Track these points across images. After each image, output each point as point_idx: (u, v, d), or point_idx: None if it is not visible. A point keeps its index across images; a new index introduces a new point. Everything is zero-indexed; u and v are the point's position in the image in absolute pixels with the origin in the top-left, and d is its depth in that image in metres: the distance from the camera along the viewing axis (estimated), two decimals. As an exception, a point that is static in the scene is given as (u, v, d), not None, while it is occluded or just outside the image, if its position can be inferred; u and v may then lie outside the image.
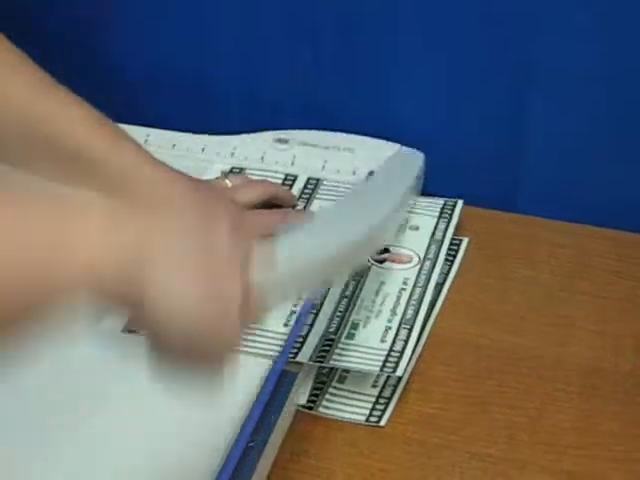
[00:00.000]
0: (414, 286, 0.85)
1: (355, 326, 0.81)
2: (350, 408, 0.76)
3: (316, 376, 0.78)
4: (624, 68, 0.90)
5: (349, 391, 0.77)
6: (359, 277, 0.86)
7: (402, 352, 0.78)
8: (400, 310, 0.82)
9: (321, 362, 0.77)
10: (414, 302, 0.83)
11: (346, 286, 0.85)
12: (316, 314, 0.81)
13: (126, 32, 1.06)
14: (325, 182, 0.96)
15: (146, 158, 0.80)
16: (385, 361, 0.77)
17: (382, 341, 0.79)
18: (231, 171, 0.97)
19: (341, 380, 0.78)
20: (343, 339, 0.79)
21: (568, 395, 0.77)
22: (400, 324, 0.81)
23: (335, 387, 0.78)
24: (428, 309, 0.83)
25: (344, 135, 1.00)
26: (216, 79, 1.05)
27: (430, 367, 0.80)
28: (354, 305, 0.83)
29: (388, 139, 0.98)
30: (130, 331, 0.78)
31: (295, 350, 0.78)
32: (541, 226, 0.94)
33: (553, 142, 0.96)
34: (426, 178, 0.97)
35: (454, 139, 0.99)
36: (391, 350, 0.78)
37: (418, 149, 0.98)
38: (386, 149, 0.97)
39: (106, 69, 1.08)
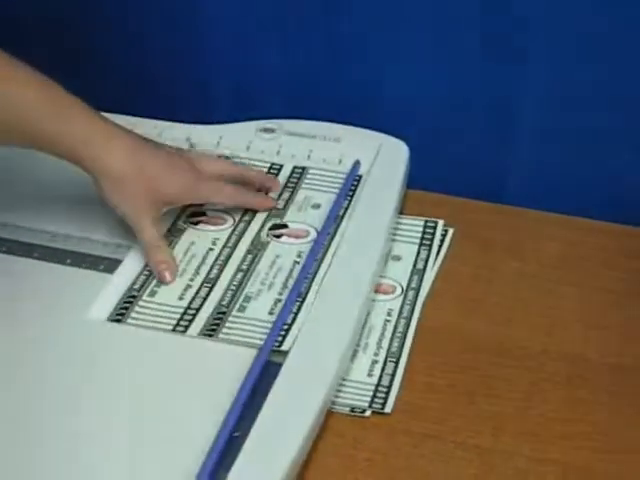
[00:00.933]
0: (307, 259, 0.85)
1: (247, 299, 0.81)
2: (350, 395, 0.76)
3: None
4: (615, 57, 0.90)
5: (345, 380, 0.77)
6: (257, 251, 0.87)
7: (291, 325, 0.78)
8: (291, 283, 0.82)
9: (211, 335, 0.78)
10: (308, 275, 0.83)
11: (243, 260, 0.86)
12: (211, 287, 0.82)
13: (113, 20, 1.05)
14: (311, 171, 0.96)
15: (91, 123, 0.82)
16: (269, 335, 0.77)
17: (270, 314, 0.79)
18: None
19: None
20: (234, 312, 0.80)
21: (554, 385, 0.77)
22: (289, 296, 0.81)
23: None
24: (321, 282, 0.82)
25: (330, 125, 0.99)
26: (202, 69, 1.04)
27: (416, 357, 0.80)
28: (249, 279, 0.83)
29: (374, 129, 0.97)
30: (115, 320, 0.78)
31: (185, 323, 0.78)
32: (528, 217, 0.95)
33: (541, 133, 0.96)
34: (412, 169, 0.97)
35: (441, 130, 0.99)
36: (283, 323, 0.78)
37: (404, 139, 0.97)
38: (372, 139, 0.97)
39: (92, 57, 1.08)
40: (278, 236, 0.88)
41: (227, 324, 0.79)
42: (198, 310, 0.80)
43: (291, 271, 0.84)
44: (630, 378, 0.78)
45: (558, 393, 0.77)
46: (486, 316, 0.84)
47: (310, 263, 0.84)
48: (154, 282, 0.83)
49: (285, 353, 0.75)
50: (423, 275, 0.88)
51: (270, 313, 0.80)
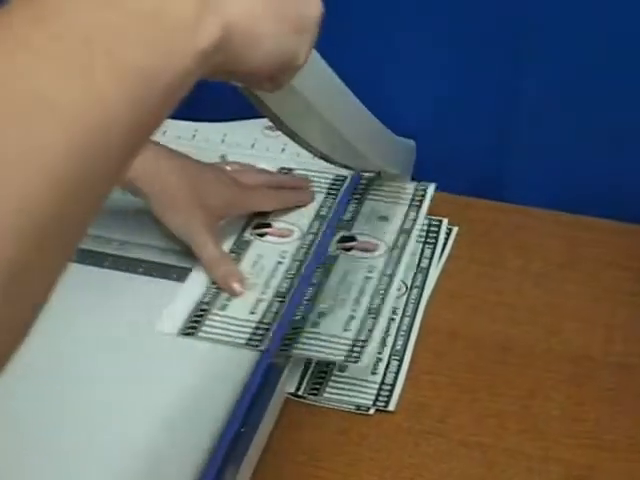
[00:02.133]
0: (381, 275, 0.84)
1: (321, 315, 0.80)
2: (354, 394, 0.76)
3: (316, 365, 0.78)
4: (615, 55, 0.90)
5: (351, 378, 0.78)
6: (327, 265, 0.86)
7: (367, 342, 0.77)
8: (365, 299, 0.82)
9: (286, 350, 0.77)
10: (381, 291, 0.83)
11: (313, 274, 0.85)
12: (282, 301, 0.81)
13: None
14: (376, 182, 0.96)
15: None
16: (350, 351, 0.76)
17: (345, 330, 0.79)
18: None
19: (342, 369, 0.78)
20: (308, 327, 0.79)
21: (557, 383, 0.78)
22: (366, 313, 0.80)
23: (337, 375, 0.78)
24: (395, 298, 0.83)
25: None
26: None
27: (420, 355, 0.80)
28: (321, 293, 0.83)
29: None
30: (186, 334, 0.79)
31: (259, 337, 0.78)
32: (531, 216, 0.95)
33: (545, 132, 0.96)
34: (416, 167, 0.97)
35: (444, 128, 0.99)
36: (356, 340, 0.77)
37: (408, 138, 0.98)
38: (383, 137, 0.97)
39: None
40: (347, 249, 0.88)
41: (301, 339, 0.78)
42: (270, 325, 0.79)
43: (362, 287, 0.83)
44: (634, 377, 0.78)
45: (562, 391, 0.77)
46: (490, 315, 0.84)
47: (382, 280, 0.84)
48: (224, 295, 0.82)
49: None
50: (427, 273, 0.88)
51: (345, 330, 0.79)
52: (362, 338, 0.77)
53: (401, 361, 0.79)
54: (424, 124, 0.99)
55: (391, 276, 0.84)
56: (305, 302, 0.82)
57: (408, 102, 0.99)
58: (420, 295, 0.86)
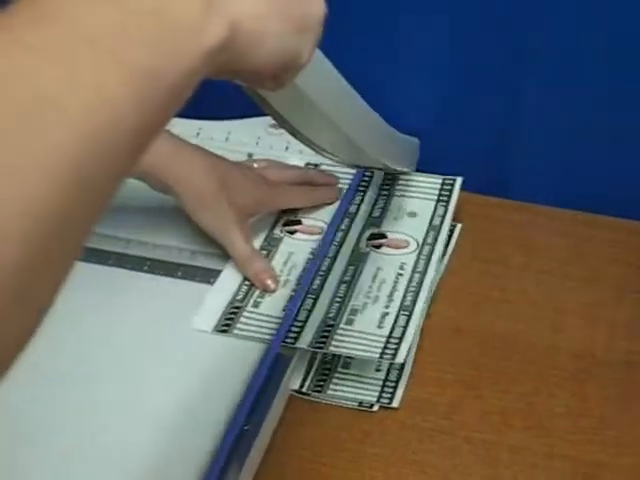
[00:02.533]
0: (412, 271, 0.85)
1: (354, 312, 0.81)
2: (358, 391, 0.77)
3: (319, 362, 0.78)
4: (620, 54, 0.90)
5: (355, 375, 0.78)
6: (357, 262, 0.86)
7: (401, 338, 0.78)
8: (398, 296, 0.82)
9: (321, 348, 0.77)
10: (413, 288, 0.83)
11: (345, 271, 0.85)
12: (315, 299, 0.81)
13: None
14: (402, 176, 0.96)
15: (165, 139, 0.84)
16: (385, 347, 0.77)
17: (380, 327, 0.79)
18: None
19: (346, 365, 0.78)
20: (342, 325, 0.79)
21: (561, 380, 0.78)
22: (399, 310, 0.81)
23: (340, 372, 0.78)
24: (427, 295, 0.83)
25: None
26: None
27: (423, 352, 0.80)
28: (353, 291, 0.83)
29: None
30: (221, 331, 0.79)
31: (294, 335, 0.77)
32: (535, 213, 0.95)
33: (547, 129, 0.96)
34: (420, 164, 0.97)
35: (449, 126, 0.99)
36: (390, 336, 0.78)
37: (412, 135, 0.98)
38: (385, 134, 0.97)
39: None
40: (377, 246, 0.88)
41: (336, 336, 0.78)
42: (305, 322, 0.79)
43: (395, 284, 0.84)
44: (638, 373, 0.78)
45: (566, 388, 0.77)
46: (493, 312, 0.84)
47: (414, 277, 0.84)
48: (257, 293, 0.83)
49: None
50: (440, 231, 0.89)
51: (379, 327, 0.79)
52: (396, 335, 0.78)
53: (404, 363, 0.79)
54: (427, 122, 0.99)
55: (422, 273, 0.84)
56: (337, 300, 0.82)
57: (411, 100, 0.99)
58: (431, 252, 0.87)
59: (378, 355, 0.76)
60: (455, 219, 0.93)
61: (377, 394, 0.76)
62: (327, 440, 0.73)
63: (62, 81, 0.35)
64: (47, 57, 0.36)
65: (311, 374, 0.78)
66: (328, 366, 0.78)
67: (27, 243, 0.33)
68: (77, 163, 0.35)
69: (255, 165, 0.93)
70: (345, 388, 0.77)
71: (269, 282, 0.83)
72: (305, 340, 0.77)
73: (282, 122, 0.70)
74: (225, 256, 0.86)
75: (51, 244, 0.35)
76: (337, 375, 0.78)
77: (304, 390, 0.77)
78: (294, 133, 0.73)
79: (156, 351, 0.77)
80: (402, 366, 0.78)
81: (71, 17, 0.37)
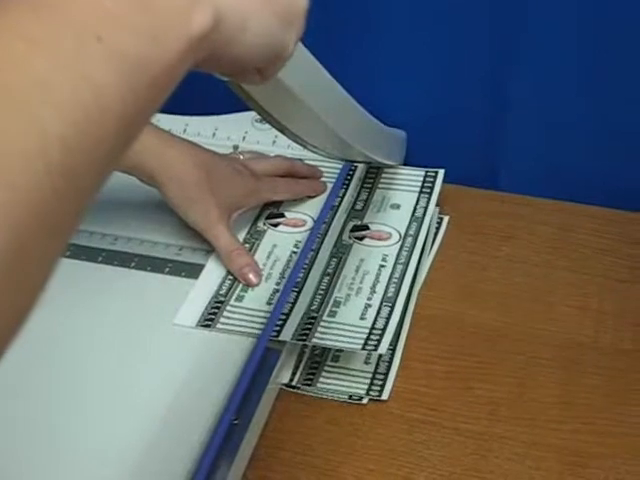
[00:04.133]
0: (395, 263, 0.85)
1: (337, 304, 0.81)
2: (348, 384, 0.77)
3: (309, 355, 0.79)
4: (607, 44, 0.90)
5: (345, 368, 0.78)
6: (340, 254, 0.86)
7: (384, 330, 0.78)
8: (381, 288, 0.83)
9: (304, 340, 0.77)
10: (395, 279, 0.83)
11: (328, 263, 0.85)
12: (298, 292, 0.82)
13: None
14: (386, 170, 0.96)
15: (152, 132, 0.84)
16: (367, 339, 0.77)
17: (362, 318, 0.79)
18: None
19: (335, 359, 0.79)
20: (325, 317, 0.80)
21: (549, 370, 0.78)
22: (381, 302, 0.81)
23: (330, 365, 0.78)
24: (410, 286, 0.83)
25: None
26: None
27: (412, 344, 0.80)
28: (336, 283, 0.83)
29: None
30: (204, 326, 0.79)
31: (277, 328, 0.78)
32: (522, 204, 0.95)
33: (534, 120, 0.96)
34: (407, 157, 0.98)
35: (436, 118, 1.00)
36: (373, 328, 0.78)
37: (400, 128, 0.98)
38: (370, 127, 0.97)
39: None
40: (360, 238, 0.89)
41: (319, 329, 0.78)
42: (288, 315, 0.79)
43: (378, 275, 0.84)
44: (625, 362, 0.79)
45: (553, 378, 0.78)
46: (481, 302, 0.84)
47: (397, 268, 0.85)
48: (240, 287, 0.83)
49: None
50: (422, 222, 0.89)
51: (362, 318, 0.80)
52: (379, 326, 0.78)
53: (394, 350, 0.80)
54: (414, 115, 0.99)
55: (405, 264, 0.85)
56: (320, 292, 0.82)
57: (398, 93, 0.99)
58: (414, 243, 0.87)
59: (361, 346, 0.76)
60: (442, 211, 0.93)
61: (366, 387, 0.77)
62: (317, 433, 0.74)
63: (51, 67, 0.36)
64: (39, 45, 0.36)
65: (300, 368, 0.78)
66: (317, 360, 0.79)
67: (16, 228, 0.33)
68: (66, 147, 0.35)
69: (241, 157, 0.93)
70: (335, 381, 0.77)
71: (251, 276, 0.83)
72: (288, 333, 0.77)
73: (267, 117, 0.70)
74: (212, 251, 0.86)
75: (41, 228, 0.35)
76: (326, 368, 0.78)
77: (294, 384, 0.77)
78: (280, 129, 0.74)
79: (145, 347, 0.77)
80: (391, 358, 0.79)
81: (58, 4, 0.37)
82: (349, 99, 0.81)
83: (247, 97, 0.64)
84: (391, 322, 0.79)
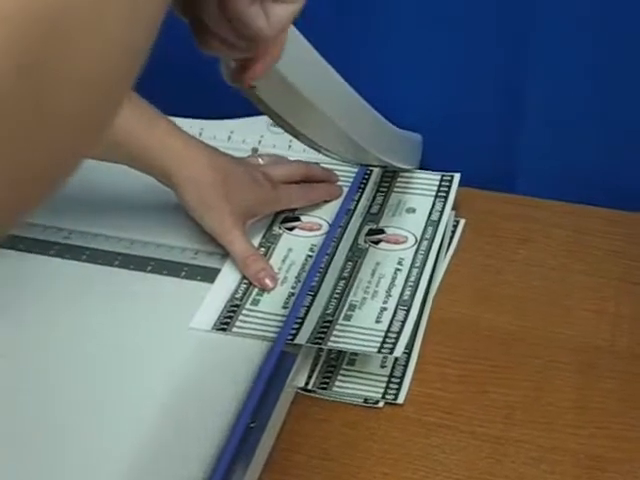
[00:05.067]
0: (411, 266, 0.85)
1: (353, 307, 0.81)
2: (363, 387, 0.77)
3: (325, 359, 0.79)
4: (623, 44, 0.90)
5: (360, 372, 0.78)
6: (356, 258, 0.86)
7: (399, 333, 0.78)
8: (396, 291, 0.82)
9: (319, 344, 0.77)
10: (411, 283, 0.83)
11: (343, 267, 0.85)
12: (314, 296, 0.82)
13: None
14: (401, 173, 0.96)
15: (175, 133, 0.84)
16: (383, 342, 0.77)
17: (378, 322, 0.79)
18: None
19: (351, 362, 0.79)
20: (341, 320, 0.80)
21: (565, 374, 0.78)
22: (397, 305, 0.81)
23: (345, 369, 0.78)
24: (425, 290, 0.83)
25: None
26: (211, 62, 1.05)
27: (427, 348, 0.80)
28: (351, 286, 0.83)
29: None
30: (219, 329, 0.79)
31: (293, 332, 0.78)
32: (538, 207, 0.95)
33: (550, 123, 0.96)
34: (423, 161, 0.98)
35: (451, 121, 0.99)
36: (388, 331, 0.78)
37: (415, 131, 0.98)
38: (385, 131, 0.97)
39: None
40: (376, 242, 0.89)
41: (334, 332, 0.78)
42: (304, 319, 0.79)
43: (393, 279, 0.84)
44: (641, 366, 0.79)
45: (569, 381, 0.77)
46: (497, 306, 0.84)
47: (412, 272, 0.85)
48: (255, 291, 0.83)
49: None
50: (438, 225, 0.89)
51: (377, 322, 0.80)
52: (394, 329, 0.78)
53: (410, 354, 0.80)
54: (430, 118, 0.99)
55: (421, 268, 0.85)
56: (336, 295, 0.82)
57: (413, 97, 0.99)
58: (430, 247, 0.87)
59: (376, 350, 0.76)
60: (458, 215, 0.93)
61: (382, 390, 0.77)
62: (333, 437, 0.74)
63: None
64: None
65: (316, 371, 0.78)
66: (333, 363, 0.79)
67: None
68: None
69: (260, 161, 0.93)
70: (350, 385, 0.77)
71: (267, 281, 0.83)
72: (303, 336, 0.77)
73: (280, 122, 0.70)
74: (228, 255, 0.86)
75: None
76: (342, 372, 0.78)
77: (310, 387, 0.77)
78: (293, 133, 0.74)
79: (160, 351, 0.78)
80: (407, 362, 0.79)
81: None
82: (363, 103, 0.81)
83: (260, 103, 0.64)
84: (407, 325, 0.79)
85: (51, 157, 0.34)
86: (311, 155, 0.96)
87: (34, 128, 0.32)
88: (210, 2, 0.48)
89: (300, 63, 0.65)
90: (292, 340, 0.77)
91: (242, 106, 1.02)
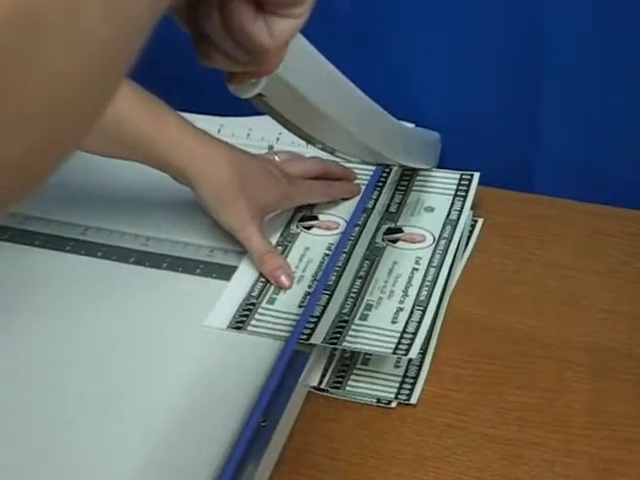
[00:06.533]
0: (428, 266, 0.85)
1: (369, 307, 0.81)
2: (376, 387, 0.77)
3: (338, 358, 0.79)
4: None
5: (374, 372, 0.78)
6: (373, 257, 0.86)
7: (415, 334, 0.78)
8: (413, 291, 0.82)
9: (334, 344, 0.77)
10: (428, 283, 0.83)
11: (360, 266, 0.85)
12: (330, 295, 0.81)
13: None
14: (421, 172, 0.96)
15: (187, 130, 0.84)
16: (398, 343, 0.77)
17: (394, 322, 0.79)
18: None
19: (365, 362, 0.78)
20: (357, 320, 0.79)
21: (579, 376, 0.77)
22: (414, 305, 0.81)
23: (359, 368, 0.78)
24: (442, 290, 0.83)
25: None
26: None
27: (441, 348, 0.80)
28: (368, 286, 0.83)
29: (404, 120, 0.98)
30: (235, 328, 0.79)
31: (308, 331, 0.78)
32: (555, 206, 0.94)
33: (568, 122, 0.96)
34: (441, 159, 0.97)
35: (469, 120, 0.99)
36: (404, 332, 0.78)
37: (434, 130, 0.98)
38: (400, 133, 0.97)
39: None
40: (394, 241, 0.88)
41: (350, 332, 0.78)
42: (319, 318, 0.79)
43: (410, 278, 0.84)
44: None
45: (584, 383, 0.77)
46: (512, 306, 0.84)
47: (429, 271, 0.85)
48: (272, 289, 0.83)
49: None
50: (456, 225, 0.89)
51: (393, 322, 0.79)
52: (410, 330, 0.78)
53: (424, 354, 0.79)
54: (448, 117, 0.99)
55: (438, 267, 0.84)
56: (352, 295, 0.82)
57: (432, 95, 0.99)
58: (448, 245, 0.87)
59: (391, 351, 0.76)
60: (476, 214, 0.93)
61: (395, 391, 0.76)
62: (345, 437, 0.73)
63: None
64: None
65: (330, 371, 0.78)
66: (347, 362, 0.78)
67: None
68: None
69: (276, 158, 0.93)
70: (363, 385, 0.77)
71: (283, 279, 0.83)
72: (319, 336, 0.77)
73: (293, 129, 0.70)
74: (244, 253, 0.86)
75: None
76: (356, 372, 0.78)
77: (323, 387, 0.77)
78: (307, 139, 0.74)
79: (175, 348, 0.78)
80: (421, 362, 0.78)
81: None
82: (375, 107, 0.81)
83: (270, 111, 0.64)
84: (422, 326, 0.78)
85: (27, 150, 0.34)
86: (329, 154, 0.96)
87: (8, 118, 0.32)
88: (213, 16, 0.48)
89: (308, 71, 0.64)
90: (307, 340, 0.77)
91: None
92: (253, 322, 0.80)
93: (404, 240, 0.88)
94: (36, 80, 0.32)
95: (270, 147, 0.98)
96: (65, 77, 0.33)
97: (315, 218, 0.91)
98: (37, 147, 0.34)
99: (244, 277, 0.84)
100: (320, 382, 0.77)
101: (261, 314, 0.80)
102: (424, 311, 0.80)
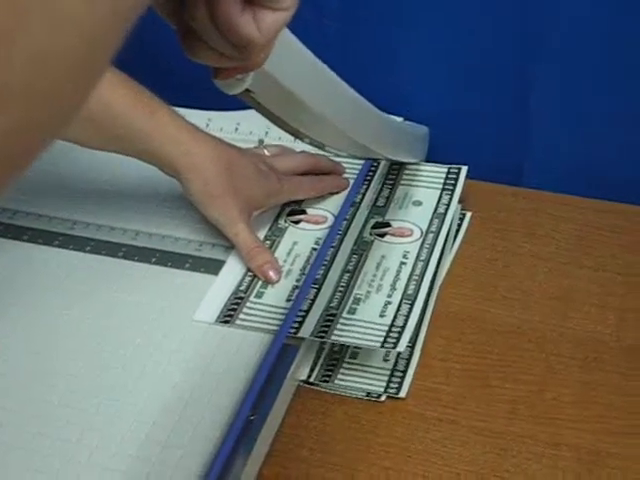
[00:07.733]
0: (416, 260, 0.85)
1: (357, 301, 0.81)
2: (366, 381, 0.77)
3: (327, 352, 0.79)
4: (632, 40, 0.89)
5: (363, 365, 0.78)
6: (361, 251, 0.86)
7: (403, 327, 0.78)
8: (401, 285, 0.82)
9: (322, 337, 0.77)
10: (416, 277, 0.83)
11: (348, 260, 0.85)
12: (318, 289, 0.81)
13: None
14: (408, 166, 0.96)
15: (178, 123, 0.84)
16: (386, 336, 0.77)
17: (382, 316, 0.79)
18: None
19: (353, 356, 0.78)
20: (345, 314, 0.79)
21: (569, 369, 0.77)
22: (402, 299, 0.81)
23: (348, 362, 0.78)
24: (430, 283, 0.83)
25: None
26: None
27: (430, 341, 0.80)
28: (356, 280, 0.83)
29: (393, 113, 0.97)
30: (223, 322, 0.79)
31: (297, 325, 0.77)
32: (545, 200, 0.94)
33: (558, 116, 0.96)
34: (430, 154, 0.97)
35: (458, 115, 0.99)
36: (392, 325, 0.78)
37: (423, 124, 0.98)
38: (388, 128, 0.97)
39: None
40: (382, 235, 0.88)
41: (338, 326, 0.78)
42: (308, 312, 0.79)
43: (398, 272, 0.84)
44: (646, 361, 0.78)
45: (573, 376, 0.77)
46: (502, 299, 0.84)
47: (417, 265, 0.84)
48: (260, 283, 0.83)
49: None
50: (444, 218, 0.89)
51: (381, 316, 0.79)
52: (398, 324, 0.78)
53: (414, 347, 0.79)
54: (438, 110, 0.99)
55: (426, 261, 0.84)
56: (340, 289, 0.82)
57: (420, 89, 0.99)
58: (436, 239, 0.87)
59: (380, 344, 0.76)
60: (464, 208, 0.93)
61: (384, 384, 0.76)
62: (334, 430, 0.73)
63: None
64: None
65: (319, 364, 0.78)
66: (336, 356, 0.78)
67: None
68: None
69: (266, 152, 0.92)
70: (353, 378, 0.77)
71: (272, 274, 0.83)
72: (307, 329, 0.77)
73: (281, 124, 0.70)
74: (232, 247, 0.86)
75: None
76: (345, 365, 0.78)
77: (312, 380, 0.77)
78: (295, 134, 0.74)
79: (163, 342, 0.78)
80: (410, 356, 0.78)
81: None
82: (363, 102, 0.81)
83: (258, 106, 0.64)
84: (410, 320, 0.78)
85: (6, 131, 0.33)
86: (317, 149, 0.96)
87: None
88: (200, 10, 0.48)
89: (295, 66, 0.64)
90: (295, 333, 0.77)
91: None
92: (241, 316, 0.79)
93: (392, 234, 0.88)
94: (19, 57, 0.32)
95: (260, 141, 0.98)
96: (48, 56, 0.33)
97: (303, 212, 0.91)
98: (16, 128, 0.33)
99: (232, 271, 0.84)
100: (309, 376, 0.77)
101: (249, 308, 0.80)
102: (412, 305, 0.80)
